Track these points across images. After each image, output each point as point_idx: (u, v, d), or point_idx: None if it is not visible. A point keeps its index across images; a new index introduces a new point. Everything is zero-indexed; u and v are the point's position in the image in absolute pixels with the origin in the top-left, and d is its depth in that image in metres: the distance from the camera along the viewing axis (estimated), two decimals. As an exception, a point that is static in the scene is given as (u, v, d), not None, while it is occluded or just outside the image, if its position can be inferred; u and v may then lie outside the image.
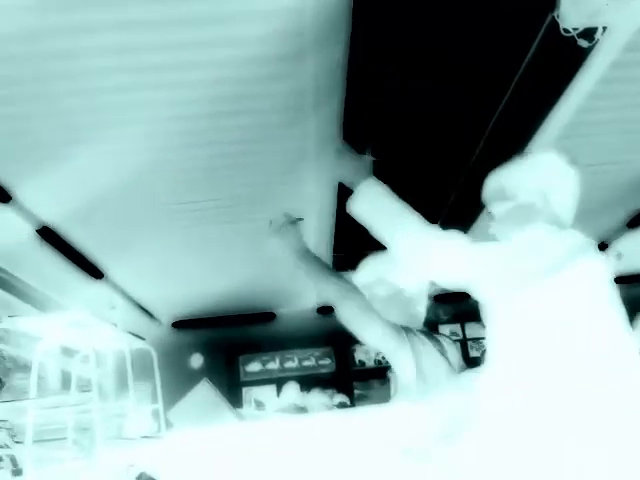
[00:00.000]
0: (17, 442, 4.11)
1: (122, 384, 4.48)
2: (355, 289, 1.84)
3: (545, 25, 3.07)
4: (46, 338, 3.62)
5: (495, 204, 1.78)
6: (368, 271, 2.08)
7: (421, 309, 2.04)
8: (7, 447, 4.11)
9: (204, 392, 1.73)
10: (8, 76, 3.01)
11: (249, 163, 4.23)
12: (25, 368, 7.06)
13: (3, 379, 5.68)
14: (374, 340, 1.81)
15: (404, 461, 1.65)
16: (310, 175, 4.37)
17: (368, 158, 1.83)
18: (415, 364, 1.74)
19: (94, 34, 2.80)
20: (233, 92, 3.37)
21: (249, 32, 2.92)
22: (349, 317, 1.81)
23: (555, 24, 2.86)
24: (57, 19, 2.67)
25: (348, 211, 1.77)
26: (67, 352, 4.73)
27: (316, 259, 1.91)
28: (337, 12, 2.82)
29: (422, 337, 1.83)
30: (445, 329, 8.28)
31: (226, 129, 3.75)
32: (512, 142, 4.21)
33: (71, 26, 2.73)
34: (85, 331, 3.52)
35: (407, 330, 1.83)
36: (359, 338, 1.82)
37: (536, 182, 1.71)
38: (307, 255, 1.91)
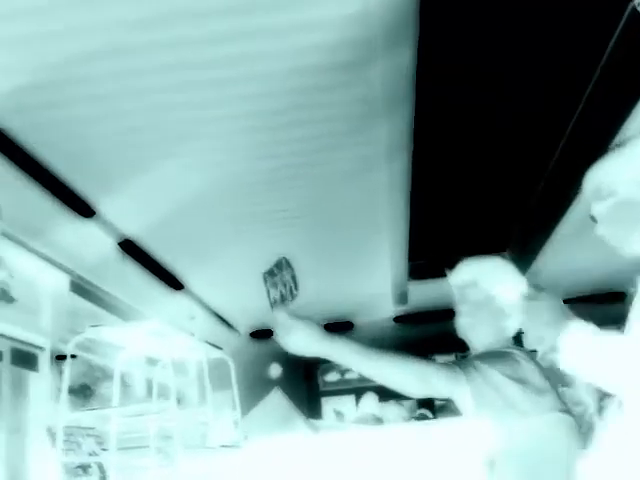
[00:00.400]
0: (104, 449, 4.23)
1: (204, 393, 4.55)
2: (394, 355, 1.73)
3: (626, 15, 2.93)
4: (128, 347, 3.71)
5: (595, 204, 1.59)
6: (464, 272, 2.00)
7: (511, 324, 1.92)
8: (95, 454, 4.23)
9: (276, 401, 1.72)
10: (87, 95, 3.14)
11: (319, 173, 4.24)
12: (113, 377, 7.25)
13: (92, 387, 5.88)
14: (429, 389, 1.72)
15: (486, 474, 1.59)
16: (381, 182, 4.33)
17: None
18: (472, 397, 1.66)
19: (164, 52, 2.88)
20: (301, 102, 3.38)
21: (316, 41, 2.92)
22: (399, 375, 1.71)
23: (636, 14, 2.73)
24: (135, 38, 2.76)
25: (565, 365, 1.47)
26: (151, 361, 4.85)
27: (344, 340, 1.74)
28: (404, 17, 2.78)
29: (481, 364, 1.74)
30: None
31: (294, 140, 3.78)
32: (595, 141, 4.05)
33: (146, 45, 2.82)
34: (165, 341, 3.59)
35: (462, 364, 1.75)
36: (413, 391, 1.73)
37: (634, 173, 1.52)
38: (335, 340, 1.73)
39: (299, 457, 1.48)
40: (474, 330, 1.94)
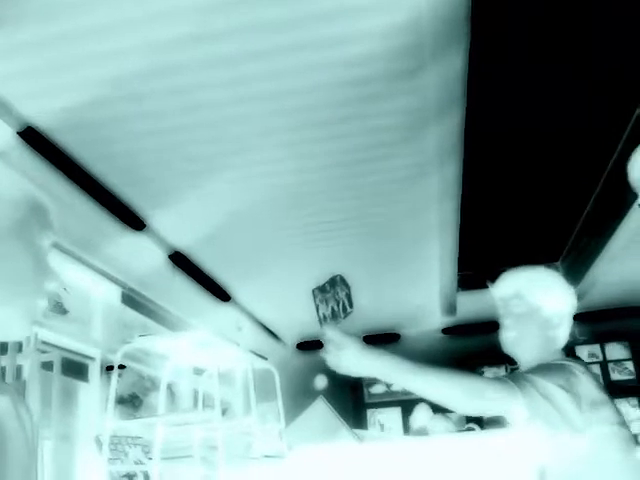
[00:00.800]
0: (150, 458, 4.26)
1: (249, 403, 4.55)
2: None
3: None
4: (175, 357, 3.74)
5: None
6: (507, 285, 1.94)
7: (561, 333, 1.86)
8: (141, 463, 4.27)
9: (320, 410, 1.69)
10: (141, 111, 3.19)
11: (369, 183, 4.22)
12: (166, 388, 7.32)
13: (141, 397, 5.96)
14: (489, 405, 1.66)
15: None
16: (431, 191, 4.28)
17: None
18: (528, 410, 1.59)
19: (217, 68, 2.92)
20: (351, 112, 3.37)
21: (367, 51, 2.91)
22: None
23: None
24: (188, 55, 2.81)
25: None
26: (198, 371, 4.88)
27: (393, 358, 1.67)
28: (455, 23, 2.75)
29: (535, 378, 1.67)
30: (583, 350, 7.78)
31: (344, 150, 3.77)
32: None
33: (199, 61, 2.86)
34: (211, 351, 3.61)
35: (514, 377, 1.69)
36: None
37: None
38: (382, 356, 1.67)
39: (344, 467, 1.45)
40: (520, 344, 1.87)
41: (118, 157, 3.56)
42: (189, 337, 3.53)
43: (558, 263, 6.47)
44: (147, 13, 2.56)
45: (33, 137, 3.10)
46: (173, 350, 3.61)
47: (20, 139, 3.08)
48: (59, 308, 6.45)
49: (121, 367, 5.55)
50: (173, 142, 3.51)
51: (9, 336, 0.99)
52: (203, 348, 3.54)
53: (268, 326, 7.17)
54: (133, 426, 4.16)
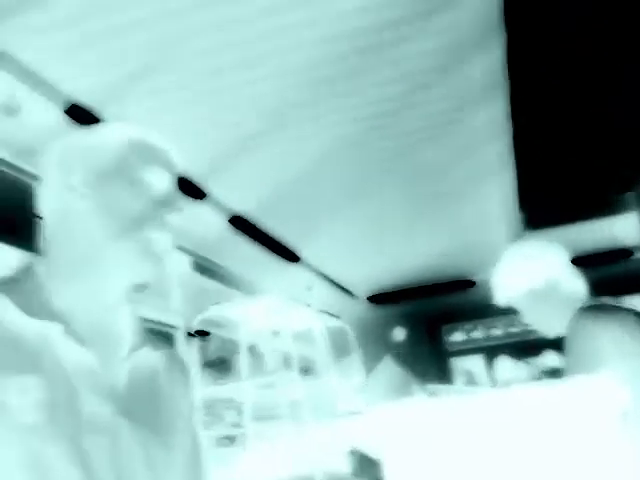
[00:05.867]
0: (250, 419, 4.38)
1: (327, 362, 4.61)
2: None
3: None
4: (249, 322, 3.82)
5: None
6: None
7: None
8: (238, 425, 4.39)
9: (388, 369, 1.67)
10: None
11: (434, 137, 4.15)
12: (249, 351, 7.51)
13: (229, 360, 6.13)
14: None
15: (619, 428, 1.47)
16: (480, 129, 4.16)
17: None
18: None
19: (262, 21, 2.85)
20: (387, 58, 3.29)
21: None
22: None
23: None
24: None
25: None
26: (278, 333, 4.96)
27: None
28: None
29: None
30: None
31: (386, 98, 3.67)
32: None
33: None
34: (284, 313, 3.66)
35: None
36: None
37: None
38: None
39: (419, 423, 1.43)
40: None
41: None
42: (262, 302, 3.60)
43: (632, 192, 6.17)
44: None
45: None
46: (248, 315, 3.68)
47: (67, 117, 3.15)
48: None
49: (205, 333, 5.70)
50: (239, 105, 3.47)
51: (134, 277, 1.02)
52: (276, 311, 3.59)
53: (339, 282, 7.19)
54: (221, 391, 4.30)
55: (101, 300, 1.00)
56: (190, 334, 5.00)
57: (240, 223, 4.81)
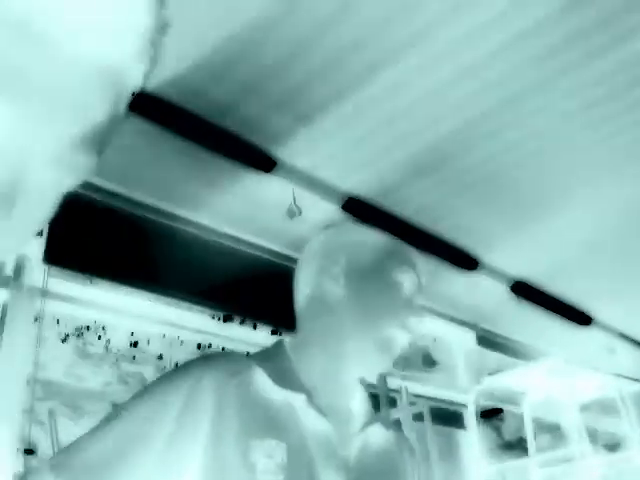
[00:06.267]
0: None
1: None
2: None
3: None
4: (529, 390, 3.66)
5: None
6: None
7: None
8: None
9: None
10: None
11: None
12: (547, 427, 7.15)
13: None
14: None
15: None
16: None
17: None
18: None
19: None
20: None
21: None
22: None
23: None
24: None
25: None
26: (586, 406, 4.65)
27: None
28: None
29: None
30: None
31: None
32: None
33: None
34: (568, 379, 3.44)
35: None
36: None
37: None
38: None
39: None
40: None
41: (441, 203, 3.71)
42: (541, 366, 3.43)
43: None
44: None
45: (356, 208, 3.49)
46: (526, 383, 3.53)
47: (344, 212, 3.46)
48: (429, 360, 6.80)
49: (496, 412, 5.59)
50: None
51: (370, 366, 1.12)
52: (559, 377, 3.40)
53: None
54: (517, 468, 4.14)
55: (340, 379, 1.10)
56: (484, 413, 4.93)
57: (522, 288, 4.72)
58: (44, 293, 2.87)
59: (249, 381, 1.00)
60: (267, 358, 1.09)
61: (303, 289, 1.16)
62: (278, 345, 1.13)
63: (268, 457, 0.93)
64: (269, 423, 0.98)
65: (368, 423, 1.10)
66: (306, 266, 1.17)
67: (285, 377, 1.04)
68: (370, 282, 1.12)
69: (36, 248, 2.96)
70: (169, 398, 0.95)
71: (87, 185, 3.12)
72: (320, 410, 1.02)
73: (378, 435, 1.12)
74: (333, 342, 1.09)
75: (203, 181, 3.21)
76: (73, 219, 3.10)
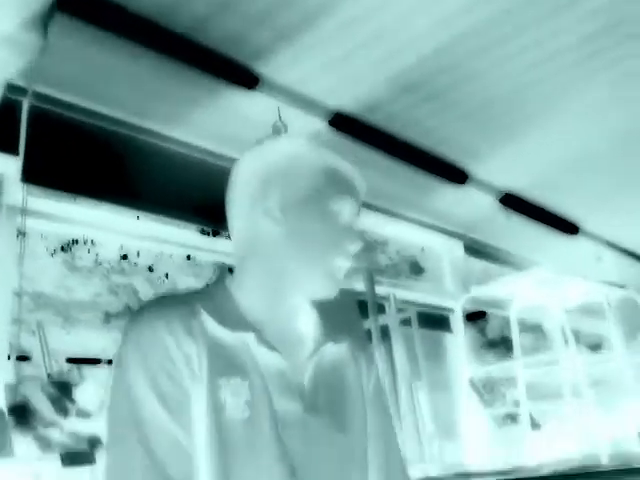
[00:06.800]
0: (531, 398, 4.34)
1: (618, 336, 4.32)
2: None
3: None
4: (519, 297, 3.74)
5: None
6: None
7: None
8: (519, 404, 4.36)
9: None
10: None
11: None
12: (531, 328, 7.39)
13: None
14: None
15: None
16: None
17: None
18: None
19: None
20: None
21: None
22: None
23: None
24: None
25: None
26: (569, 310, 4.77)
27: None
28: None
29: None
30: None
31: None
32: None
33: None
34: (555, 287, 3.52)
35: None
36: None
37: None
38: None
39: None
40: None
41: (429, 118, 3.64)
42: (530, 276, 3.51)
43: None
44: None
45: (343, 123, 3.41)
46: (514, 292, 3.62)
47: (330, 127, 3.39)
48: (416, 268, 6.91)
49: (481, 315, 5.73)
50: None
51: (316, 295, 1.11)
52: (547, 284, 3.47)
53: (633, 250, 6.58)
54: (502, 369, 4.31)
55: (286, 310, 1.10)
56: (469, 316, 5.06)
57: (512, 201, 4.73)
58: (24, 211, 2.85)
59: (201, 326, 1.00)
60: (211, 298, 1.07)
61: (237, 227, 1.12)
62: (220, 282, 1.11)
63: (235, 395, 0.96)
64: (229, 362, 1.00)
65: (320, 344, 1.10)
66: (238, 201, 1.11)
67: (231, 318, 1.03)
68: (307, 214, 1.07)
69: (14, 167, 2.91)
70: (140, 369, 0.94)
71: (65, 104, 3.04)
72: (270, 345, 1.03)
73: (332, 353, 1.12)
74: (274, 279, 1.08)
75: (186, 99, 3.14)
76: (50, 137, 3.05)
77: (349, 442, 1.07)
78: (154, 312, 1.01)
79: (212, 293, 1.10)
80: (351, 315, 3.65)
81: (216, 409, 0.95)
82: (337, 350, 1.15)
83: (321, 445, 1.02)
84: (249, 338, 1.03)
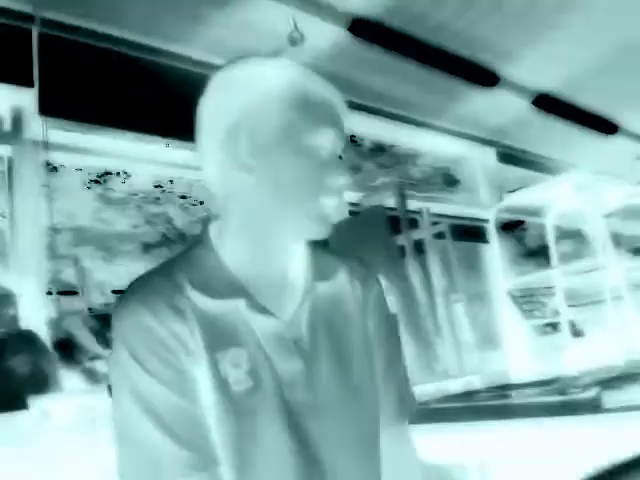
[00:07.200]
0: (571, 305, 4.27)
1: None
2: None
3: None
4: (555, 203, 3.61)
5: None
6: None
7: None
8: (559, 312, 4.30)
9: None
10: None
11: None
12: (570, 235, 7.24)
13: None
14: None
15: None
16: None
17: None
18: None
19: None
20: None
21: None
22: None
23: None
24: None
25: None
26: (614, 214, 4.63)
27: None
28: None
29: None
30: None
31: None
32: None
33: None
34: (592, 192, 3.38)
35: None
36: None
37: None
38: None
39: None
40: None
41: (454, 18, 3.45)
42: (566, 181, 3.37)
43: None
44: None
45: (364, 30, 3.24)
46: (551, 197, 3.49)
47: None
48: (449, 180, 6.78)
49: (518, 224, 5.59)
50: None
51: (304, 238, 1.03)
52: (585, 190, 3.34)
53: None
54: (540, 278, 4.23)
55: (275, 260, 1.02)
56: (505, 226, 4.95)
57: (546, 103, 4.52)
58: (46, 144, 2.81)
59: (188, 301, 0.94)
60: (196, 263, 1.00)
61: (211, 176, 1.02)
62: (205, 241, 1.03)
63: (236, 367, 0.93)
64: (224, 333, 0.95)
65: (307, 290, 1.03)
66: (206, 147, 1.01)
67: (219, 284, 0.97)
68: (280, 156, 0.96)
69: (31, 102, 2.85)
70: (136, 360, 0.90)
71: (75, 28, 2.95)
72: (263, 309, 0.97)
73: (325, 292, 1.06)
74: (256, 231, 1.00)
75: (194, 14, 3.01)
76: (64, 66, 2.96)
77: (356, 380, 1.02)
78: (137, 297, 0.94)
79: (196, 256, 1.02)
80: (376, 232, 3.59)
81: (220, 384, 0.92)
82: (330, 286, 1.07)
83: (328, 395, 0.98)
84: (240, 304, 0.97)
